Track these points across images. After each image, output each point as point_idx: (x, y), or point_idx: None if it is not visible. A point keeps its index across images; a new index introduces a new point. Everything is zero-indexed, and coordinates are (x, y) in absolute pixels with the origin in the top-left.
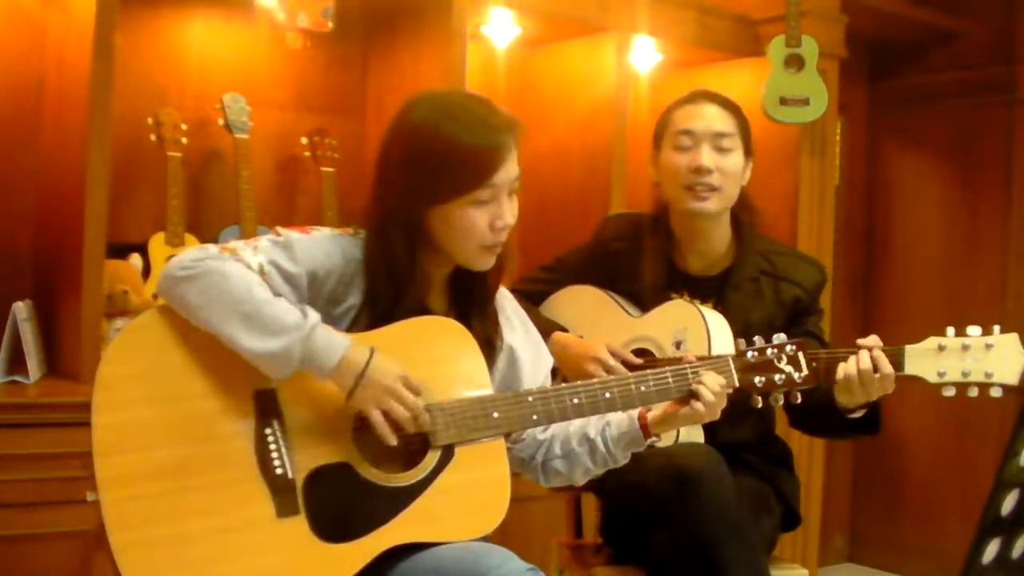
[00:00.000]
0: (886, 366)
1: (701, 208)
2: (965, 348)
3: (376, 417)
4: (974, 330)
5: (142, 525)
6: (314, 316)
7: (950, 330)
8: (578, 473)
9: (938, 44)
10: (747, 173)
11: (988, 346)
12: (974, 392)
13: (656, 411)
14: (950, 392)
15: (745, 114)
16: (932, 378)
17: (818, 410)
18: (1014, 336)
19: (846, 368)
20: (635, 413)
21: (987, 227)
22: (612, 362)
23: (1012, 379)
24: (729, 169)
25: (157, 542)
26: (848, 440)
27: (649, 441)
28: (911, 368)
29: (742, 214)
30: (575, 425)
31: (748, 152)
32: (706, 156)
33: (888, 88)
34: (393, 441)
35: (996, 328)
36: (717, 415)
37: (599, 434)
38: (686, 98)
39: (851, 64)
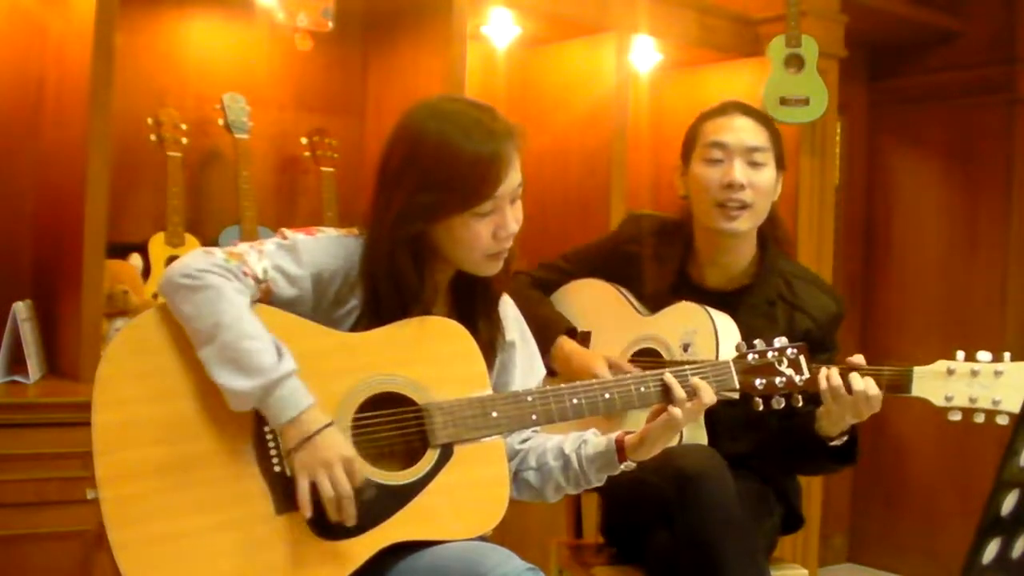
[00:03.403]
0: (877, 393)
1: (732, 228)
2: (974, 374)
3: (302, 484)
4: (984, 355)
5: (141, 522)
6: (287, 366)
7: (960, 354)
8: (549, 489)
9: (938, 44)
10: (778, 188)
11: (997, 373)
12: (980, 418)
13: (633, 436)
14: (956, 417)
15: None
16: (939, 402)
17: (797, 437)
18: None
19: (835, 387)
20: (613, 436)
21: (987, 227)
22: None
23: (1019, 408)
24: (762, 185)
25: (156, 539)
26: (824, 474)
27: (623, 466)
28: (918, 390)
29: (768, 231)
30: (552, 440)
31: (780, 167)
32: (739, 171)
33: (888, 88)
34: (307, 513)
35: (1007, 355)
36: (692, 420)
37: (574, 451)
38: (717, 109)
39: (851, 64)
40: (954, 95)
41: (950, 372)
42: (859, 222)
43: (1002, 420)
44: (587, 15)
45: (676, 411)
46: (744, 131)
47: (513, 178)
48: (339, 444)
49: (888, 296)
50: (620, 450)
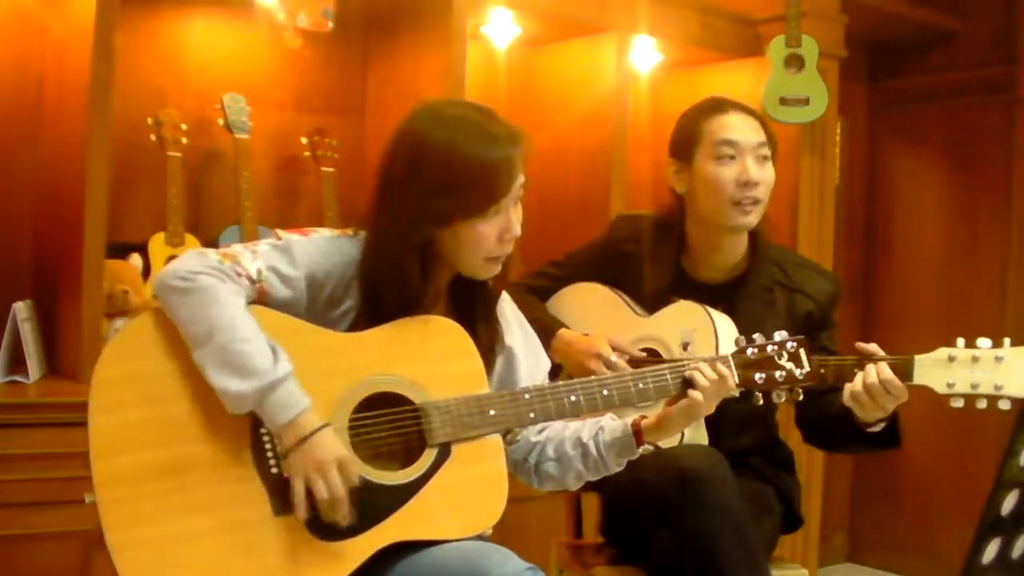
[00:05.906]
0: (891, 378)
1: (746, 223)
2: (975, 360)
3: (296, 486)
4: (984, 342)
5: (139, 525)
6: (284, 368)
7: (960, 341)
8: (570, 477)
9: (938, 44)
10: None
11: (998, 359)
12: (982, 404)
13: (650, 419)
14: (958, 403)
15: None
16: (941, 389)
17: (836, 424)
18: None
19: (852, 388)
20: (628, 420)
21: (987, 227)
22: (614, 358)
23: (1022, 392)
24: (769, 180)
25: (154, 542)
26: (869, 454)
27: (641, 449)
28: (920, 378)
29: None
30: (570, 429)
31: (775, 160)
32: (753, 169)
33: (888, 88)
34: (301, 514)
35: (1007, 341)
36: (712, 407)
37: (592, 438)
38: (714, 107)
39: (851, 64)
40: (954, 95)
41: (951, 359)
42: (859, 222)
43: (1004, 405)
44: (587, 15)
45: (696, 395)
46: (749, 128)
47: (518, 180)
48: (333, 445)
49: (888, 296)
50: (637, 434)
